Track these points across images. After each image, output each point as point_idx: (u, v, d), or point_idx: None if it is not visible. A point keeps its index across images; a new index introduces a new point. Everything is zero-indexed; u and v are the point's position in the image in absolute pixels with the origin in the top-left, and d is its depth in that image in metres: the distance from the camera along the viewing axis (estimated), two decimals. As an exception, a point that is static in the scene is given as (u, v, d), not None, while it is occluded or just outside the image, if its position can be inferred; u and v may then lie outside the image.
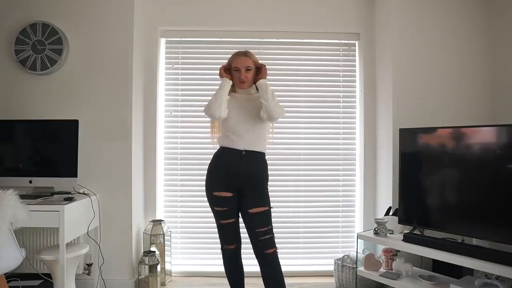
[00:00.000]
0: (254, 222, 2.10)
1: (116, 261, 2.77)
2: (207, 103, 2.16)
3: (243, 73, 2.16)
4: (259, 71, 2.22)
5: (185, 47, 3.18)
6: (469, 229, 2.27)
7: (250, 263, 2.25)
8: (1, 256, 2.05)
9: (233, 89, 2.24)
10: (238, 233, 2.22)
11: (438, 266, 2.57)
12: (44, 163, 2.61)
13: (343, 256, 2.82)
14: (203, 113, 2.27)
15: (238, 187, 2.12)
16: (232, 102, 2.18)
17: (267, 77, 2.22)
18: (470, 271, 2.35)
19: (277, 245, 2.14)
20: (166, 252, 2.94)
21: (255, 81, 2.21)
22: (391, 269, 2.56)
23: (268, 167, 2.22)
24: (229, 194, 2.12)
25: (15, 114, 2.73)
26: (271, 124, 2.27)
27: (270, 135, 2.31)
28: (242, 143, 2.11)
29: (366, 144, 3.12)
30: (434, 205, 2.46)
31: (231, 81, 2.17)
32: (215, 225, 2.22)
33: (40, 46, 2.71)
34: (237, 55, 2.21)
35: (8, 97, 2.76)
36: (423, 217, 2.49)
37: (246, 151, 2.11)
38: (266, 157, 2.23)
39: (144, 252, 2.83)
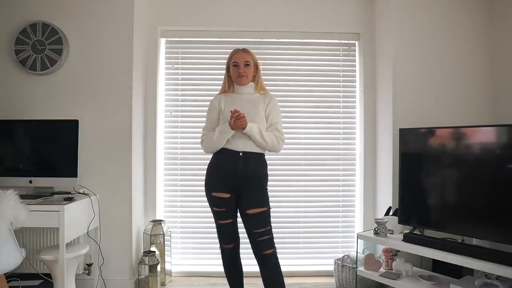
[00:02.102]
0: (252, 222, 2.09)
1: (116, 261, 2.77)
2: (205, 139, 2.19)
3: (242, 67, 2.16)
4: (258, 69, 2.24)
5: (185, 47, 3.19)
6: (469, 229, 2.27)
7: (250, 263, 2.25)
8: (1, 256, 2.05)
9: (231, 89, 2.24)
10: (237, 233, 2.22)
11: (438, 266, 2.57)
12: (44, 163, 2.61)
13: (343, 256, 2.82)
14: (203, 114, 2.29)
15: (236, 188, 2.11)
16: (230, 102, 2.17)
17: (266, 77, 2.22)
18: (470, 271, 2.35)
19: (277, 246, 2.13)
20: (166, 252, 2.94)
21: (254, 80, 2.24)
22: (391, 269, 2.56)
23: (268, 167, 2.22)
24: (227, 195, 2.12)
25: (15, 114, 2.73)
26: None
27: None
28: (240, 145, 2.10)
29: (366, 144, 3.13)
30: (434, 205, 2.46)
31: (233, 131, 2.09)
32: (214, 224, 2.22)
33: (40, 46, 2.71)
34: (235, 51, 2.23)
35: (8, 97, 2.76)
36: (423, 217, 2.49)
37: (243, 152, 2.10)
38: (266, 157, 2.22)
39: (144, 252, 2.83)
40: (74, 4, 2.78)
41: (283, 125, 2.27)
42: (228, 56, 2.26)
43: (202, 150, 2.27)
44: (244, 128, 2.06)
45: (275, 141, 2.15)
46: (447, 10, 2.88)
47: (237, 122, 2.03)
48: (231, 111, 2.06)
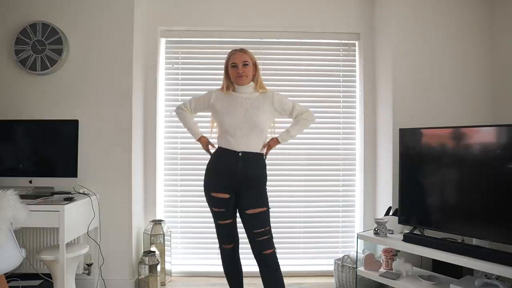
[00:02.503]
0: (252, 223, 2.09)
1: (116, 261, 2.77)
2: (181, 112, 2.29)
3: (240, 67, 2.13)
4: (257, 68, 2.21)
5: (185, 47, 3.19)
6: (469, 229, 2.27)
7: (250, 263, 2.25)
8: (1, 256, 2.04)
9: (231, 88, 2.21)
10: (236, 233, 2.22)
11: (438, 266, 2.57)
12: (44, 163, 2.61)
13: (343, 256, 2.82)
14: (203, 113, 2.30)
15: (235, 188, 2.11)
16: (230, 102, 2.16)
17: (266, 77, 2.22)
18: (470, 271, 2.35)
19: (277, 245, 2.13)
20: (166, 252, 2.94)
21: (254, 79, 2.21)
22: (391, 269, 2.56)
23: (268, 167, 2.22)
24: (226, 196, 2.11)
25: (15, 114, 2.73)
26: (272, 125, 2.27)
27: (271, 135, 2.29)
28: (239, 145, 2.10)
29: (366, 144, 3.13)
30: (434, 205, 2.46)
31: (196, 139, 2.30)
32: (214, 224, 2.22)
33: (40, 46, 2.71)
34: (233, 51, 2.19)
35: (8, 97, 2.76)
36: (423, 217, 2.49)
37: (242, 152, 2.10)
38: (267, 156, 2.22)
39: (144, 252, 2.84)
40: (74, 4, 2.78)
41: (283, 124, 2.28)
42: (226, 56, 2.24)
43: (202, 150, 2.31)
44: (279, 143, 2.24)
45: (304, 125, 2.25)
46: (447, 9, 2.88)
47: None
48: (247, 122, 2.13)
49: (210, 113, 2.28)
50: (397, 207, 2.63)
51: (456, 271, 2.41)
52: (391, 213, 2.75)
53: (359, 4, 3.13)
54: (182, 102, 2.31)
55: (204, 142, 2.29)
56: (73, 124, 2.59)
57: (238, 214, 2.19)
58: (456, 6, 2.88)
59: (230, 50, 2.23)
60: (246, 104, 2.14)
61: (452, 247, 2.22)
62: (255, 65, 2.21)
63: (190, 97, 2.29)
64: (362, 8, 3.13)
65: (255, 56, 2.23)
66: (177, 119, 3.09)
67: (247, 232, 2.12)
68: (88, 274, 2.70)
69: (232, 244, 2.21)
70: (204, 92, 2.27)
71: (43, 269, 2.66)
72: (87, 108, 2.77)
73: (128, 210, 2.79)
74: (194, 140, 3.04)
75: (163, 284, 2.89)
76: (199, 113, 2.47)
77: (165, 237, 2.93)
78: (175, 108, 2.35)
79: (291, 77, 3.18)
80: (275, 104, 2.18)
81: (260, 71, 2.26)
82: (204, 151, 2.32)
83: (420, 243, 2.35)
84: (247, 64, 2.15)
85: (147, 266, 2.72)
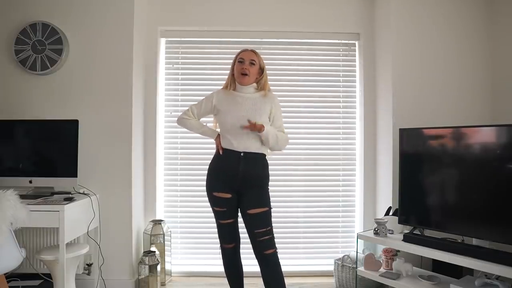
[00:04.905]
0: (253, 223, 2.09)
1: (116, 261, 2.77)
2: (185, 120, 2.22)
3: (246, 64, 2.15)
4: (263, 73, 2.22)
5: (185, 47, 3.19)
6: (469, 229, 2.27)
7: (250, 263, 2.25)
8: (1, 256, 2.04)
9: (233, 86, 2.22)
10: (237, 232, 2.23)
11: (438, 266, 2.57)
12: (44, 163, 2.61)
13: (343, 256, 2.82)
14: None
15: (237, 188, 2.11)
16: (231, 101, 2.16)
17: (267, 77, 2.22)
18: (470, 271, 2.35)
19: (277, 245, 2.13)
20: (166, 252, 2.94)
21: (257, 81, 2.21)
22: (391, 269, 2.56)
23: (269, 167, 2.21)
24: (228, 195, 2.12)
25: (15, 114, 2.73)
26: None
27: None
28: (241, 145, 2.10)
29: (366, 144, 3.13)
30: (434, 205, 2.46)
31: (214, 139, 2.23)
32: (215, 225, 2.22)
33: (40, 46, 2.71)
34: (245, 49, 2.23)
35: (8, 97, 2.76)
36: (423, 217, 2.49)
37: (244, 152, 2.10)
38: (267, 156, 2.22)
39: (144, 252, 2.84)
40: (74, 4, 2.78)
41: (283, 125, 2.27)
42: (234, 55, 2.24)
43: (202, 150, 2.31)
44: (261, 131, 2.07)
45: (279, 141, 2.16)
46: (447, 10, 2.88)
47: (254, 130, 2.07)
48: (246, 124, 2.05)
49: (212, 115, 2.28)
50: (397, 207, 2.63)
51: (456, 271, 2.41)
52: (391, 213, 2.75)
53: (359, 4, 3.13)
54: (181, 113, 2.27)
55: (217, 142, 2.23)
56: (73, 124, 2.59)
57: (239, 214, 2.19)
58: (454, 6, 2.88)
59: (230, 50, 2.24)
60: (247, 104, 2.14)
61: (452, 247, 2.22)
62: (261, 69, 2.22)
63: (188, 107, 2.26)
64: (362, 8, 3.13)
65: (262, 60, 2.23)
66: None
67: (248, 232, 2.12)
68: (88, 274, 2.70)
69: (233, 243, 2.22)
70: (202, 98, 2.26)
71: (43, 269, 2.66)
72: (87, 108, 2.77)
73: (128, 210, 2.79)
74: (194, 140, 3.09)
75: (163, 284, 2.89)
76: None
77: (165, 237, 2.93)
78: (176, 119, 2.29)
79: (291, 77, 3.18)
80: (273, 109, 2.19)
81: (267, 77, 2.25)
82: (204, 150, 2.29)
83: (420, 243, 2.35)
84: (253, 64, 2.16)
85: (147, 266, 2.72)
